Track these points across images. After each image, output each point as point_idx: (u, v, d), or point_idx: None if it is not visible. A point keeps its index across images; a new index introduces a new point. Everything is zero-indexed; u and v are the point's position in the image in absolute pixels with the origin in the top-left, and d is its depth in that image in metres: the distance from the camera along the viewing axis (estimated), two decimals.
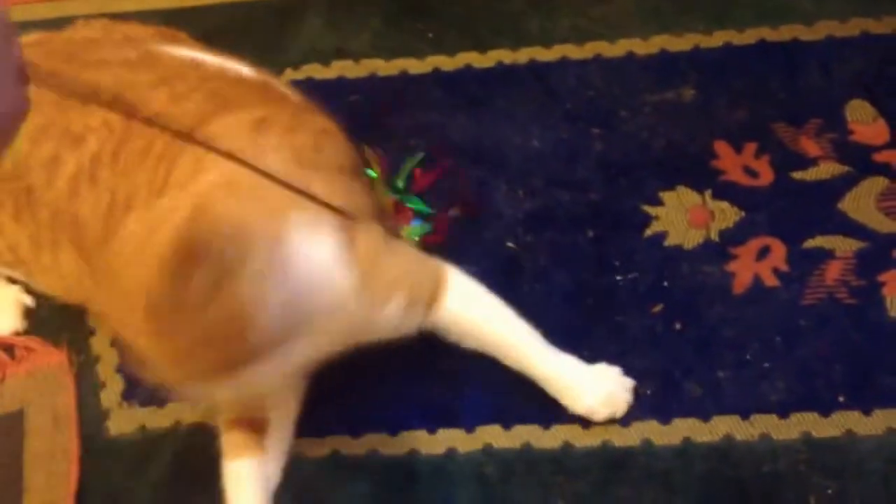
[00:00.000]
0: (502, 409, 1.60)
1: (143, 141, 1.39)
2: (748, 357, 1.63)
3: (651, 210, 1.76)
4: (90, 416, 1.67)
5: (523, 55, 1.93)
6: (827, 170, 1.76)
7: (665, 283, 1.69)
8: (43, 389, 1.67)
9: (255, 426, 1.50)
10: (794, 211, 1.73)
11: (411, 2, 2.01)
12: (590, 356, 1.61)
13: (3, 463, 1.62)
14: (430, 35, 1.97)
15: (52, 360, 1.69)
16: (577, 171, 1.80)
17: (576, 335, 1.64)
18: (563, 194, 1.76)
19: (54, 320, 1.75)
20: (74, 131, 1.44)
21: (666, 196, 1.77)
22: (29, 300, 1.74)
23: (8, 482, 1.60)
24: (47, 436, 1.64)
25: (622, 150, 1.82)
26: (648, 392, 1.61)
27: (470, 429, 1.61)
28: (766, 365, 1.62)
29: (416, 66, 1.94)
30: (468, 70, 1.93)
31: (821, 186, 1.75)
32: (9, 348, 1.72)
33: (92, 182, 1.43)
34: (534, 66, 1.92)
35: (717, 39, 1.91)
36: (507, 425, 1.60)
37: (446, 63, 1.94)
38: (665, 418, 1.59)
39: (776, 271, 1.69)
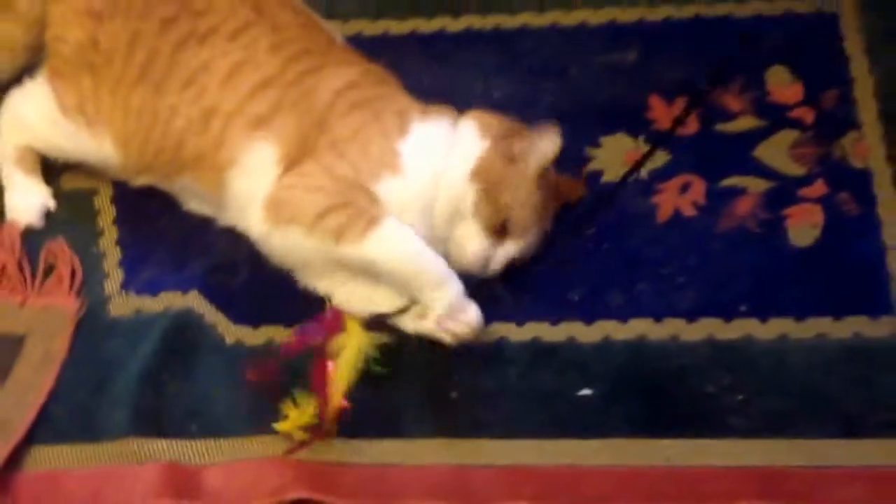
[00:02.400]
0: None
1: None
2: (665, 272, 1.87)
3: (592, 152, 2.01)
4: (94, 301, 1.91)
5: (490, 21, 2.20)
6: (746, 123, 2.02)
7: (598, 212, 1.94)
8: (48, 326, 1.87)
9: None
10: (714, 155, 1.99)
11: None
12: (527, 267, 1.86)
13: None
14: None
15: (68, 304, 1.90)
16: (529, 117, 2.03)
17: None
18: None
19: (69, 222, 2.00)
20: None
21: (605, 140, 2.03)
22: (51, 202, 2.00)
23: None
24: (32, 368, 1.83)
25: (570, 101, 2.07)
26: (577, 298, 1.86)
27: None
28: (681, 279, 1.86)
29: (396, 27, 2.20)
30: (442, 32, 2.19)
31: (740, 136, 2.01)
32: (49, 271, 1.93)
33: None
34: (498, 32, 2.19)
35: (660, 14, 2.18)
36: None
37: (423, 25, 2.21)
38: (589, 320, 1.84)
39: (695, 204, 1.94)
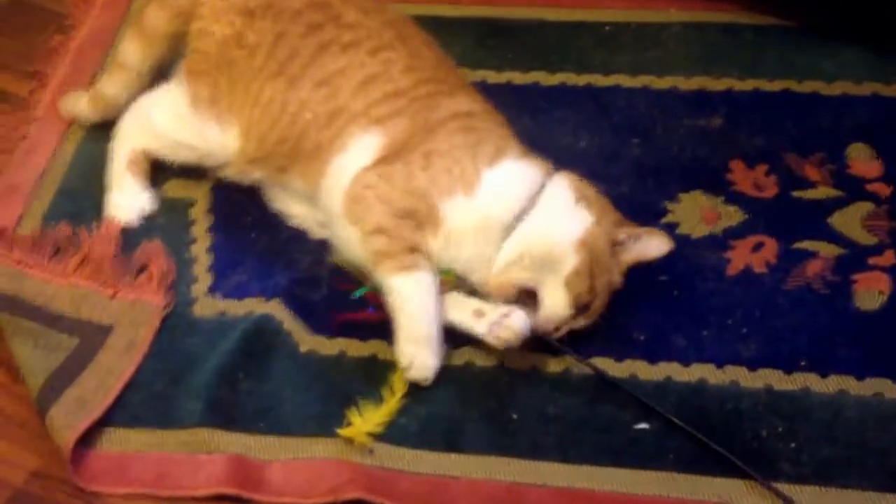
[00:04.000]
0: None
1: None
2: (730, 322, 1.91)
3: (670, 205, 2.08)
4: (181, 301, 2.01)
5: (584, 79, 2.30)
6: (823, 192, 2.07)
7: (671, 261, 1.99)
8: (134, 318, 1.97)
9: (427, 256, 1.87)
10: (789, 219, 2.04)
11: (498, 28, 2.39)
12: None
13: (74, 359, 1.91)
14: (509, 55, 2.35)
15: (156, 300, 2.00)
16: (613, 169, 2.14)
17: None
18: (598, 184, 2.08)
19: (167, 226, 2.11)
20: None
21: (684, 196, 2.09)
22: (152, 206, 2.13)
23: (66, 375, 1.89)
24: (115, 355, 1.92)
25: (654, 157, 2.15)
26: (642, 338, 1.91)
27: None
28: (744, 330, 1.90)
29: (493, 76, 2.31)
30: (536, 86, 2.29)
31: (816, 203, 2.06)
32: (142, 269, 2.04)
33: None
34: (591, 89, 2.28)
35: (749, 85, 2.25)
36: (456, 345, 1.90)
37: (518, 78, 2.31)
38: (652, 359, 1.88)
39: (766, 262, 1.99)
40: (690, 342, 1.90)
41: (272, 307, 1.98)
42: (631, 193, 2.10)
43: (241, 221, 2.11)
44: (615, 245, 1.87)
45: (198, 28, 2.08)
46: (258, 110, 2.01)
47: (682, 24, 2.38)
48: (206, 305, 2.01)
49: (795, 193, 2.08)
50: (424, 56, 2.03)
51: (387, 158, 1.92)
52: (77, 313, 1.99)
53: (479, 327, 1.86)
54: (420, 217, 1.87)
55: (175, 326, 1.98)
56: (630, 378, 1.87)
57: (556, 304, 1.83)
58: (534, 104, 2.26)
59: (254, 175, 2.07)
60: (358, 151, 1.94)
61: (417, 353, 1.84)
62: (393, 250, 1.85)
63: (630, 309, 1.94)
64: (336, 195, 1.93)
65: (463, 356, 1.91)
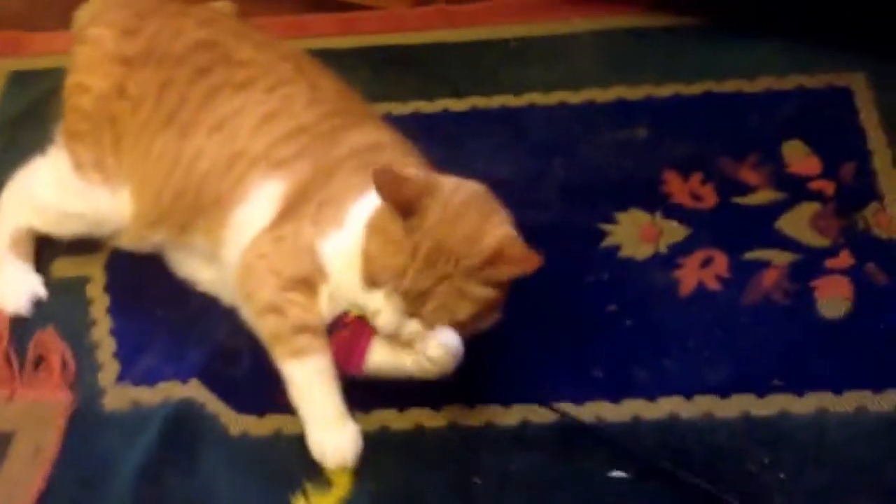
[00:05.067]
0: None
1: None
2: (691, 346, 1.78)
3: (606, 227, 1.94)
4: (87, 394, 1.80)
5: (496, 101, 2.15)
6: (765, 196, 1.96)
7: (618, 288, 1.86)
8: (39, 420, 1.77)
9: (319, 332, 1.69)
10: (735, 229, 1.92)
11: (395, 55, 2.23)
12: (548, 345, 1.77)
13: None
14: (412, 83, 2.19)
15: (59, 398, 1.79)
16: (538, 194, 1.99)
17: (537, 329, 1.79)
18: (526, 212, 1.90)
19: (61, 310, 1.90)
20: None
21: (620, 216, 1.96)
22: (42, 291, 1.91)
23: None
24: (22, 464, 1.72)
25: (581, 177, 2.02)
26: (600, 375, 1.76)
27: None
28: (707, 354, 1.77)
29: (398, 108, 2.15)
30: (445, 113, 2.14)
31: (760, 209, 1.94)
32: (39, 363, 1.83)
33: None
34: (504, 110, 2.13)
35: (668, 90, 2.13)
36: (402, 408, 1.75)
37: (426, 106, 2.15)
38: (615, 398, 1.74)
39: (718, 277, 1.86)
40: (653, 374, 1.76)
41: (191, 389, 1.78)
42: (562, 218, 1.96)
43: (144, 296, 1.91)
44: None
45: (72, 83, 1.89)
46: (149, 166, 1.83)
47: (590, 34, 2.26)
48: (117, 396, 1.80)
49: (736, 200, 1.96)
50: (326, 88, 1.87)
51: (285, 214, 1.77)
52: None
53: (407, 362, 1.67)
54: (310, 280, 1.72)
55: (84, 424, 1.77)
56: (596, 422, 1.72)
57: (367, 301, 1.66)
58: (445, 132, 2.10)
59: (153, 239, 1.87)
60: (259, 202, 1.78)
61: (327, 440, 1.68)
62: (283, 332, 1.70)
63: (582, 344, 1.80)
64: (236, 254, 1.77)
65: (409, 418, 1.74)
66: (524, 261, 1.61)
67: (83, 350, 1.85)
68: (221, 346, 1.83)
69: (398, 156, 1.82)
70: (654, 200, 1.97)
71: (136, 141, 1.85)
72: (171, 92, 1.83)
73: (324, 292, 1.72)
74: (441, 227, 1.61)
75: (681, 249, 1.90)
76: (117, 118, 1.85)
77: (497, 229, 1.64)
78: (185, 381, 1.79)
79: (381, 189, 1.61)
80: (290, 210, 1.77)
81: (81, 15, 1.96)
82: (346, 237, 1.70)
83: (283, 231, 1.75)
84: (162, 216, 1.84)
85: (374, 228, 1.65)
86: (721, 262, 1.88)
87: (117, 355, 1.85)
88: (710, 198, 1.96)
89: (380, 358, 1.69)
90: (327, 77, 1.90)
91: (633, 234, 1.93)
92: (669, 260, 1.89)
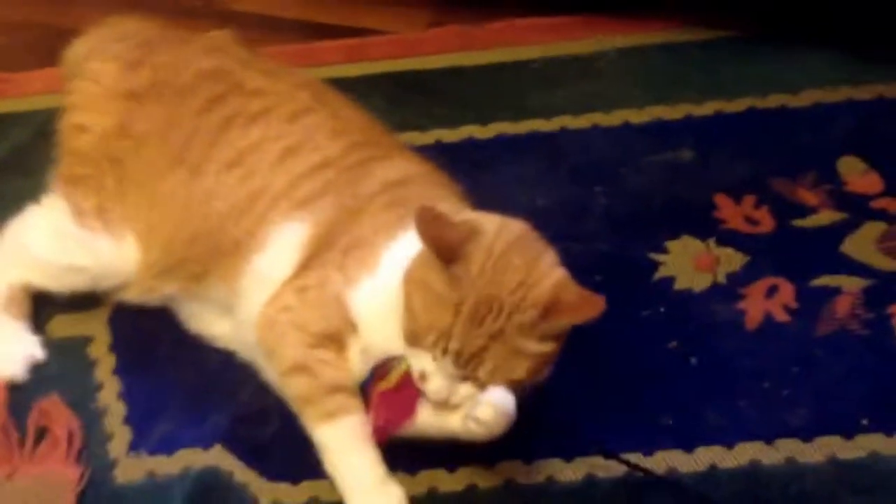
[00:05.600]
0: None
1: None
2: (766, 386, 1.62)
3: (658, 257, 1.78)
4: (97, 467, 1.61)
5: (523, 127, 1.99)
6: (826, 217, 1.81)
7: (677, 323, 1.70)
8: (44, 500, 1.58)
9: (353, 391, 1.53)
10: (797, 254, 1.77)
11: (410, 82, 2.07)
12: (606, 390, 1.61)
13: None
14: (432, 111, 2.02)
15: (66, 473, 1.60)
16: (583, 225, 1.84)
17: (591, 372, 1.63)
18: (572, 246, 1.76)
19: (62, 374, 1.71)
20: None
21: (671, 245, 1.80)
22: (40, 353, 1.72)
23: None
24: None
25: (626, 205, 1.86)
26: (670, 422, 1.60)
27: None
28: (786, 392, 1.61)
29: (419, 138, 1.98)
30: (470, 140, 1.98)
31: (821, 232, 1.80)
32: (42, 435, 1.64)
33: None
34: (534, 136, 1.97)
35: (709, 108, 1.99)
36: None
37: (448, 135, 1.99)
38: (689, 447, 1.57)
39: (786, 308, 1.71)
40: (727, 418, 1.60)
41: (214, 456, 1.60)
42: (611, 251, 1.80)
43: (154, 355, 1.73)
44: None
45: (69, 124, 1.72)
46: (158, 210, 1.67)
47: (617, 51, 2.11)
48: (130, 468, 1.61)
49: (796, 223, 1.81)
50: (348, 117, 1.72)
51: (309, 260, 1.60)
52: None
53: (452, 422, 1.50)
54: (339, 335, 1.56)
55: (96, 501, 1.58)
56: (668, 474, 1.55)
57: (413, 362, 1.49)
58: (472, 161, 1.94)
59: (164, 291, 1.70)
60: (280, 248, 1.62)
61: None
62: (313, 394, 1.53)
63: (645, 388, 1.63)
64: (256, 306, 1.60)
65: (460, 478, 1.56)
66: (585, 307, 1.43)
67: (89, 417, 1.66)
68: (245, 407, 1.65)
69: (433, 189, 1.65)
70: (707, 227, 1.82)
71: (141, 183, 1.69)
72: (179, 127, 1.68)
73: (354, 346, 1.55)
74: (487, 278, 1.43)
75: (741, 279, 1.75)
76: (120, 159, 1.69)
77: (549, 274, 1.46)
78: (206, 447, 1.61)
79: (424, 232, 1.44)
80: (315, 255, 1.60)
81: (75, 50, 1.79)
82: (380, 284, 1.54)
83: (307, 280, 1.58)
84: (173, 265, 1.67)
85: (414, 280, 1.47)
86: (787, 290, 1.73)
87: (128, 421, 1.66)
88: (766, 222, 1.81)
89: (422, 418, 1.52)
90: (348, 105, 1.74)
91: (688, 263, 1.78)
92: (730, 290, 1.74)
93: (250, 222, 1.63)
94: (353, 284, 1.56)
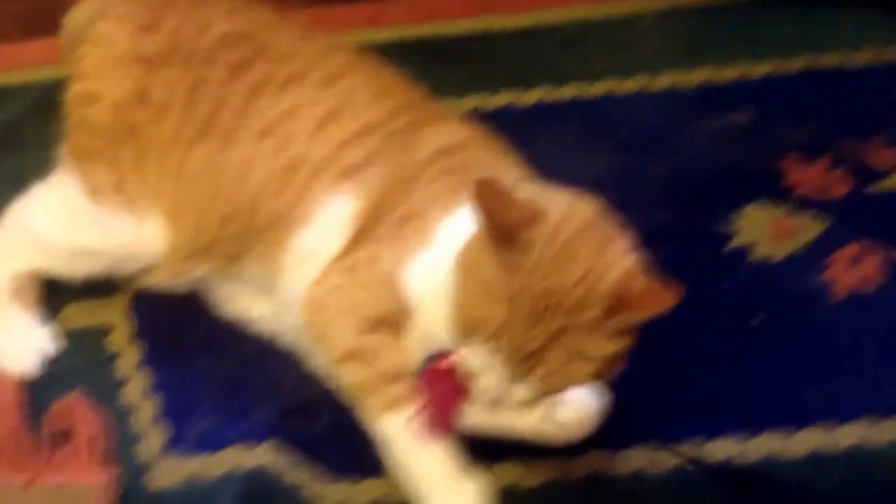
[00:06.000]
0: None
1: None
2: (863, 359, 1.50)
3: (727, 228, 1.65)
4: (129, 472, 1.43)
5: (566, 92, 1.85)
6: None
7: (759, 297, 1.57)
8: None
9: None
10: (879, 219, 1.65)
11: (439, 48, 1.92)
12: (691, 371, 1.47)
13: None
14: (463, 78, 1.87)
15: (93, 480, 1.42)
16: (639, 197, 1.68)
17: (667, 359, 1.49)
18: (631, 216, 1.63)
19: (80, 369, 1.53)
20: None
21: (740, 213, 1.68)
22: (53, 347, 1.53)
23: None
24: None
25: (685, 172, 1.73)
26: (765, 404, 1.46)
27: None
28: (885, 367, 1.49)
29: (454, 105, 1.81)
30: (510, 108, 1.83)
31: None
32: (63, 438, 1.46)
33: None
34: (578, 102, 1.83)
35: (762, 69, 1.87)
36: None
37: (486, 102, 1.84)
38: (788, 430, 1.44)
39: (874, 276, 1.59)
40: (826, 397, 1.46)
41: (262, 455, 1.43)
42: (674, 222, 1.66)
43: (184, 344, 1.55)
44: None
45: (79, 93, 1.54)
46: (187, 185, 1.51)
47: (654, 14, 1.97)
48: (166, 471, 1.43)
49: (873, 187, 1.69)
50: (389, 79, 1.56)
51: (358, 236, 1.45)
52: None
53: (522, 423, 1.36)
54: (393, 318, 1.40)
55: None
56: (766, 460, 1.41)
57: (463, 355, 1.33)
58: (513, 131, 1.77)
59: (195, 274, 1.53)
60: (326, 223, 1.46)
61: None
62: (371, 383, 1.38)
63: (734, 369, 1.49)
64: (299, 286, 1.44)
65: (540, 472, 1.40)
66: (654, 300, 1.25)
67: (115, 416, 1.48)
68: (291, 399, 1.48)
69: (491, 156, 1.50)
70: (777, 193, 1.69)
71: (164, 156, 1.51)
72: (204, 94, 1.51)
73: (411, 332, 1.40)
74: (548, 268, 1.26)
75: (822, 247, 1.63)
76: (139, 130, 1.52)
77: (617, 264, 1.29)
78: (252, 445, 1.44)
79: (483, 209, 1.27)
80: (365, 231, 1.45)
81: (77, 15, 1.60)
82: (435, 262, 1.38)
83: (356, 258, 1.43)
84: (207, 245, 1.50)
85: (467, 263, 1.31)
86: (873, 258, 1.61)
87: (160, 420, 1.48)
88: (842, 185, 1.69)
89: (479, 415, 1.36)
90: (385, 68, 1.58)
91: (762, 233, 1.65)
92: (811, 260, 1.62)
93: (290, 196, 1.47)
94: (405, 262, 1.40)
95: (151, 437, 1.46)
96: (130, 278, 1.57)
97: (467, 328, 1.29)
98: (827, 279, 1.58)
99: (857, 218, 1.65)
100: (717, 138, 1.77)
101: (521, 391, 1.29)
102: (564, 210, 1.31)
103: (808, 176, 1.70)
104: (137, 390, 1.51)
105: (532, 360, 1.26)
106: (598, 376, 1.29)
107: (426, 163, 1.47)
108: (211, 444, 1.45)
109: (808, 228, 1.64)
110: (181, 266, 1.52)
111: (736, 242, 1.63)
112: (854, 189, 1.69)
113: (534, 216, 1.28)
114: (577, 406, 1.30)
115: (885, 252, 1.61)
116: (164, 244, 1.51)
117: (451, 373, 1.33)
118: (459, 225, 1.36)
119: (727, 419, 1.46)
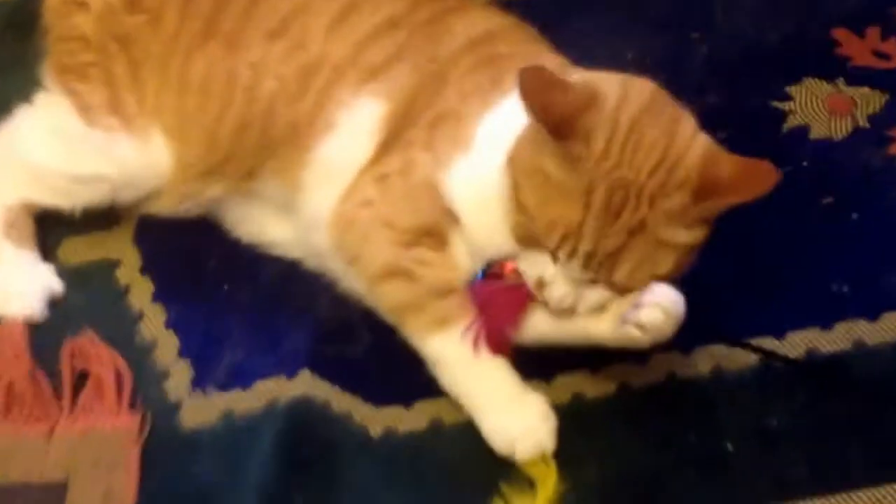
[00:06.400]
0: None
1: None
2: None
3: (782, 105, 1.52)
4: (158, 413, 1.30)
5: None
6: None
7: (826, 177, 1.44)
8: (98, 458, 1.27)
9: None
10: None
11: None
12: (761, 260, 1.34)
13: None
14: None
15: (120, 422, 1.29)
16: (685, 78, 1.56)
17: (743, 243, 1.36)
18: (680, 99, 1.50)
19: (89, 306, 1.40)
20: None
21: (794, 90, 1.55)
22: (57, 284, 1.40)
23: None
24: None
25: (731, 50, 1.61)
26: (845, 290, 1.34)
27: None
28: None
29: None
30: None
31: None
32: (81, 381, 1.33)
33: None
34: None
35: None
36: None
37: None
38: (872, 315, 1.32)
39: None
40: None
41: (303, 385, 1.30)
42: (725, 103, 1.54)
43: (201, 272, 1.43)
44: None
45: (61, 1, 1.40)
46: (190, 98, 1.38)
47: None
48: (200, 408, 1.31)
49: None
50: None
51: (388, 141, 1.32)
52: (6, 478, 1.25)
53: (598, 328, 1.22)
54: (437, 228, 1.28)
55: (163, 454, 1.27)
56: (855, 348, 1.29)
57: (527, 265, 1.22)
58: (544, 15, 1.63)
59: (207, 194, 1.41)
60: (351, 129, 1.34)
61: (510, 425, 1.23)
62: (418, 300, 1.26)
63: (808, 254, 1.37)
64: (324, 202, 1.31)
65: (608, 379, 1.28)
66: (754, 181, 1.13)
67: (134, 355, 1.36)
68: (325, 324, 1.36)
69: (527, 45, 1.37)
70: (831, 66, 1.57)
71: (163, 66, 1.38)
72: None
73: (458, 241, 1.27)
74: (617, 158, 1.14)
75: (886, 120, 1.51)
76: (131, 39, 1.39)
77: (693, 145, 1.16)
78: (291, 375, 1.32)
79: (532, 100, 1.13)
80: (396, 135, 1.32)
81: None
82: (478, 163, 1.25)
83: (388, 166, 1.30)
84: (219, 162, 1.38)
85: (522, 164, 1.18)
86: None
87: (184, 355, 1.36)
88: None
89: (546, 326, 1.23)
90: None
91: (820, 109, 1.52)
92: (877, 134, 1.50)
93: (309, 103, 1.34)
94: (444, 166, 1.28)
95: (177, 375, 1.34)
96: (134, 206, 1.43)
97: (534, 235, 1.16)
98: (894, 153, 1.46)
99: None
100: (761, 10, 1.64)
101: (596, 295, 1.17)
102: (621, 90, 1.18)
103: (862, 46, 1.58)
104: (156, 325, 1.39)
105: (610, 260, 1.14)
106: (677, 270, 1.16)
107: (458, 55, 1.34)
108: (242, 378, 1.33)
109: (869, 101, 1.53)
110: (190, 187, 1.39)
111: (793, 121, 1.51)
112: None
113: (590, 100, 1.16)
114: (661, 304, 1.17)
115: None
116: (170, 165, 1.39)
117: (510, 284, 1.21)
118: (502, 121, 1.24)
119: (804, 309, 1.33)
